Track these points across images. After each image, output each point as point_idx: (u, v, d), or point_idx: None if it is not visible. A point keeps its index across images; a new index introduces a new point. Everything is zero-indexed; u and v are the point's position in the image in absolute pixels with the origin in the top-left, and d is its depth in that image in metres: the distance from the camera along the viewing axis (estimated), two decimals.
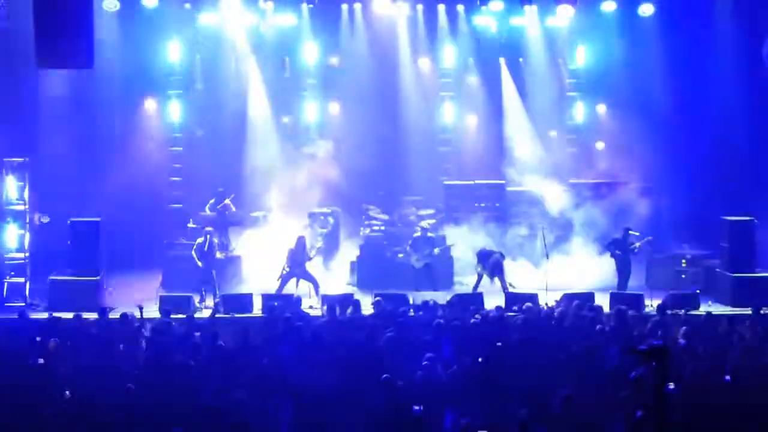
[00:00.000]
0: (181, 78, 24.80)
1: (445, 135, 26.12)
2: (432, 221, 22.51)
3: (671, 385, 12.95)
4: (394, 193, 24.89)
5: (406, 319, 17.17)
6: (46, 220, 21.90)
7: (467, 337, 16.02)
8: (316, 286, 20.72)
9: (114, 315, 17.70)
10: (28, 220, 21.27)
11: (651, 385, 8.68)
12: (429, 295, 19.97)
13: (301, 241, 20.95)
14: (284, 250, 20.95)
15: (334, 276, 22.16)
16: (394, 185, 25.07)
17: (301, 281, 20.96)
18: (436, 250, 21.81)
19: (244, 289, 20.76)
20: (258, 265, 21.86)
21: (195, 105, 25.05)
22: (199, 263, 20.61)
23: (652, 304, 19.40)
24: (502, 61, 25.74)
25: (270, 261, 21.31)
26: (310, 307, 19.80)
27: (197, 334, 16.23)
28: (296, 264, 20.75)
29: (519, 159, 24.59)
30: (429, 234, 21.89)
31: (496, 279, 21.26)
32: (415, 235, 21.86)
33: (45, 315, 19.37)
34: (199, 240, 20.92)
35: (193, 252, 20.83)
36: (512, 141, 25.17)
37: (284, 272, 20.77)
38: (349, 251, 23.20)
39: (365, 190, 24.68)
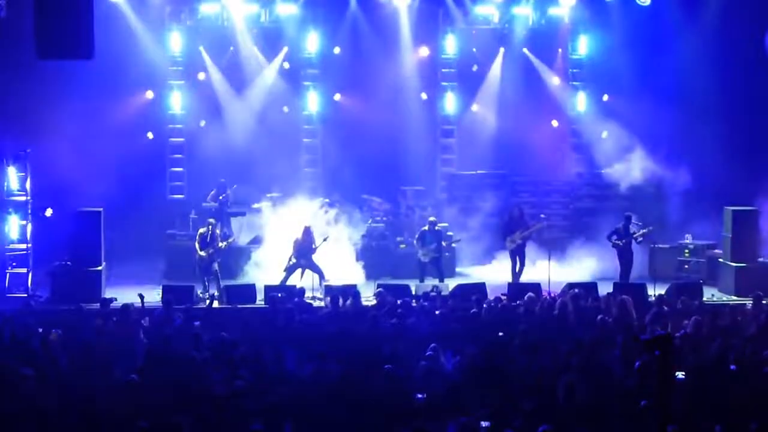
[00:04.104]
0: (183, 68, 24.75)
1: (447, 125, 26.06)
2: (434, 218, 22.34)
3: (680, 375, 12.96)
4: (394, 183, 24.85)
5: (409, 310, 17.13)
6: (49, 213, 21.90)
7: (470, 328, 16.01)
8: (321, 277, 20.66)
9: (115, 305, 17.71)
10: (30, 211, 21.26)
11: (655, 374, 8.66)
12: (433, 284, 20.02)
13: (307, 231, 20.87)
14: (290, 240, 20.89)
15: (342, 265, 22.01)
16: (394, 175, 25.02)
17: (306, 272, 20.89)
18: (444, 244, 21.78)
19: (258, 280, 20.74)
20: (268, 255, 21.82)
21: (197, 95, 25.00)
22: (202, 253, 20.57)
23: (654, 293, 19.36)
24: (502, 51, 25.74)
25: (277, 250, 21.28)
26: (313, 298, 19.78)
27: (197, 323, 16.23)
28: (302, 254, 20.70)
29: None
30: (436, 228, 21.81)
31: (517, 258, 21.27)
32: (423, 229, 21.78)
33: (47, 306, 19.45)
34: (202, 230, 20.88)
35: (196, 243, 20.77)
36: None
37: (290, 263, 20.72)
38: (351, 241, 23.13)
39: (366, 179, 24.64)
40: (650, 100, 24.30)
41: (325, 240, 20.90)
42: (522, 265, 21.41)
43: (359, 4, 24.95)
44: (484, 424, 11.45)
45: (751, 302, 18.19)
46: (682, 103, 24.43)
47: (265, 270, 21.47)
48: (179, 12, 24.31)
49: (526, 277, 21.27)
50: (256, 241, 22.83)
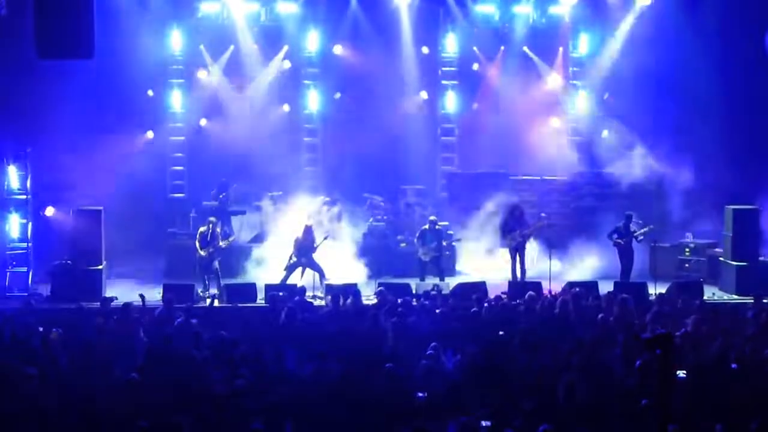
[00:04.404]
0: (183, 67, 24.73)
1: (447, 124, 26.03)
2: (434, 217, 22.26)
3: (681, 373, 12.96)
4: (395, 181, 24.84)
5: (409, 309, 17.12)
6: (49, 212, 21.91)
7: (470, 327, 16.00)
8: (322, 276, 20.65)
9: (116, 304, 17.71)
10: (30, 210, 21.26)
11: (656, 373, 8.65)
12: (434, 283, 20.01)
13: (308, 230, 20.87)
14: (291, 239, 20.89)
15: (345, 264, 21.99)
16: (395, 174, 25.00)
17: (307, 271, 20.88)
18: (444, 243, 21.75)
19: (260, 279, 20.74)
20: (270, 253, 21.81)
21: (197, 94, 24.98)
22: (202, 252, 20.54)
23: (655, 292, 19.35)
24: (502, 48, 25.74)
25: (279, 248, 21.27)
26: (314, 297, 19.77)
27: (194, 321, 16.24)
28: (303, 253, 20.69)
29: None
30: (437, 227, 21.79)
31: (517, 255, 21.24)
32: (424, 228, 21.76)
33: (47, 305, 19.44)
34: (202, 229, 20.86)
35: (196, 242, 20.74)
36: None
37: (291, 262, 20.72)
38: (353, 239, 23.09)
39: (366, 178, 24.62)
40: (651, 99, 24.29)
41: (325, 238, 20.89)
42: (522, 264, 21.37)
43: (360, 2, 24.93)
44: (484, 423, 11.43)
45: (752, 301, 18.17)
46: (683, 101, 24.41)
47: (267, 268, 21.45)
48: (180, 10, 24.29)
49: (527, 276, 21.27)
50: (258, 238, 22.83)
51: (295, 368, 13.94)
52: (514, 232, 21.38)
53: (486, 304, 17.37)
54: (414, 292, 19.52)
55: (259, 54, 25.05)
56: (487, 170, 24.76)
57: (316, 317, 17.13)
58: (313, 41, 24.94)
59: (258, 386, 12.86)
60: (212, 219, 21.08)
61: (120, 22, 23.22)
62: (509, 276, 21.23)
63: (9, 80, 22.45)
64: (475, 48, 25.87)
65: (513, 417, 11.70)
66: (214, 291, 20.23)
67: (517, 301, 17.77)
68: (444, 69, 25.79)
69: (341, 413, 12.01)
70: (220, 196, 23.29)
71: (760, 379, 13.26)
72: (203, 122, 25.25)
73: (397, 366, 13.39)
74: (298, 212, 22.02)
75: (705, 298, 19.38)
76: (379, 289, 18.60)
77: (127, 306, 16.90)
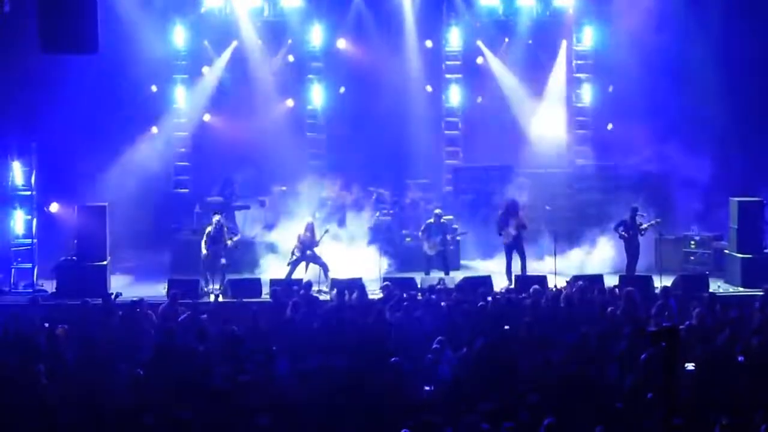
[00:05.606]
0: (187, 63, 24.70)
1: (451, 118, 25.99)
2: (439, 211, 22.18)
3: (690, 366, 12.94)
4: (399, 176, 24.81)
5: (415, 303, 17.11)
6: (54, 208, 21.93)
7: (476, 321, 15.98)
8: (326, 271, 20.66)
9: (122, 300, 17.72)
10: (35, 206, 21.26)
11: (661, 366, 8.64)
12: (439, 277, 19.99)
13: (309, 226, 20.89)
14: (293, 235, 20.92)
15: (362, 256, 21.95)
16: (400, 168, 24.98)
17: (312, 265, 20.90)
18: (449, 237, 21.72)
19: (270, 272, 20.74)
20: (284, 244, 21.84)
21: (201, 90, 24.96)
22: (206, 252, 20.47)
23: (661, 285, 19.30)
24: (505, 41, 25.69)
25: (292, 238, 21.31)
26: (319, 291, 19.77)
27: (203, 316, 16.24)
28: (306, 248, 20.71)
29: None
30: (442, 220, 21.75)
31: (514, 252, 21.17)
32: (429, 221, 21.72)
33: (52, 301, 19.46)
34: (209, 229, 20.78)
35: (203, 242, 20.67)
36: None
37: (294, 257, 20.73)
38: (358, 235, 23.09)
39: (371, 173, 24.60)
40: (656, 91, 24.20)
41: (326, 232, 20.92)
42: (522, 259, 21.22)
43: None
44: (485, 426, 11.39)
45: (761, 294, 18.12)
46: (688, 93, 24.31)
47: (279, 258, 21.46)
48: (183, 6, 24.27)
49: (531, 271, 21.22)
50: (270, 227, 22.77)
51: (300, 363, 13.93)
52: (508, 227, 21.22)
53: (491, 299, 17.36)
54: (419, 286, 19.51)
55: (263, 49, 25.02)
56: (491, 164, 24.72)
57: (322, 312, 17.12)
58: (316, 36, 24.88)
59: (263, 381, 12.86)
60: (217, 217, 20.96)
61: (123, 17, 23.21)
62: (504, 272, 21.11)
63: (13, 76, 22.45)
64: (478, 41, 25.81)
65: (518, 411, 11.69)
66: (217, 286, 20.23)
67: (523, 295, 17.74)
68: (448, 63, 25.71)
69: (346, 408, 12.01)
70: (225, 192, 23.28)
71: (766, 372, 13.22)
72: (207, 117, 25.21)
73: (402, 360, 13.38)
74: (310, 200, 22.11)
75: (710, 290, 19.34)
76: (385, 283, 18.61)
77: (136, 303, 16.88)
